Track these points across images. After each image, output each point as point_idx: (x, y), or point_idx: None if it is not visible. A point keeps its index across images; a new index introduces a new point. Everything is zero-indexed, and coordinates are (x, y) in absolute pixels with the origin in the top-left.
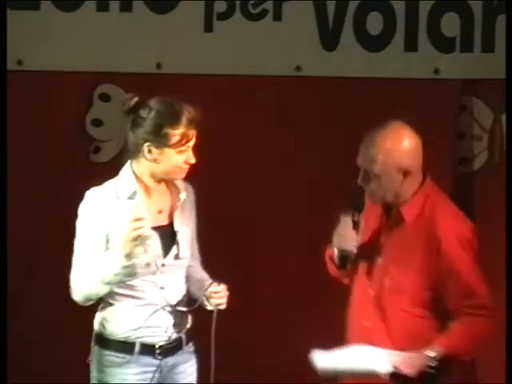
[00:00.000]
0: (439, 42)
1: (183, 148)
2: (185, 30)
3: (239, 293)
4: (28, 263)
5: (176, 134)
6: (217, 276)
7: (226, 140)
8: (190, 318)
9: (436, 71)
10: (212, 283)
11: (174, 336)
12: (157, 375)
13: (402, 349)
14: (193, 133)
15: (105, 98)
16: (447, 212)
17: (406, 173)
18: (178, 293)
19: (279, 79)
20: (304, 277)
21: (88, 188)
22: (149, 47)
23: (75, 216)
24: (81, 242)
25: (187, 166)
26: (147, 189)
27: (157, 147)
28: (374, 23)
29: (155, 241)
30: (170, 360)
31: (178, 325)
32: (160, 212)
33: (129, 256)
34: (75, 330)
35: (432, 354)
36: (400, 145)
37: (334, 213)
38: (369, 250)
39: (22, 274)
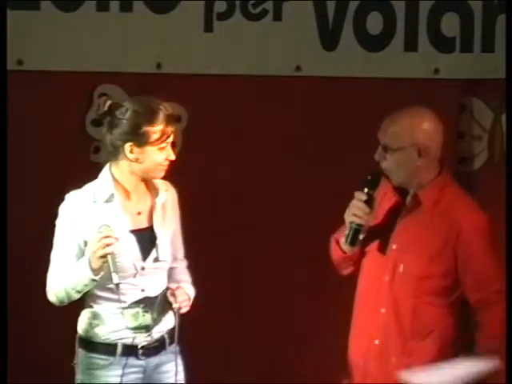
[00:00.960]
0: (439, 42)
1: (163, 145)
2: (185, 30)
3: (229, 293)
4: (28, 263)
5: (155, 131)
6: (208, 277)
7: (225, 140)
8: (172, 318)
9: (436, 71)
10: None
11: (157, 336)
12: (141, 376)
13: (414, 336)
14: (171, 129)
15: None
16: (465, 202)
17: (421, 152)
18: (160, 295)
19: (279, 79)
20: (301, 279)
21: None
22: (149, 47)
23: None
24: (57, 245)
25: (167, 163)
26: (126, 191)
27: (138, 146)
28: (374, 23)
29: (133, 244)
30: (154, 360)
31: (160, 325)
32: (139, 214)
33: (97, 271)
34: (75, 330)
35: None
36: (420, 124)
37: (333, 212)
38: (384, 235)
39: (21, 274)
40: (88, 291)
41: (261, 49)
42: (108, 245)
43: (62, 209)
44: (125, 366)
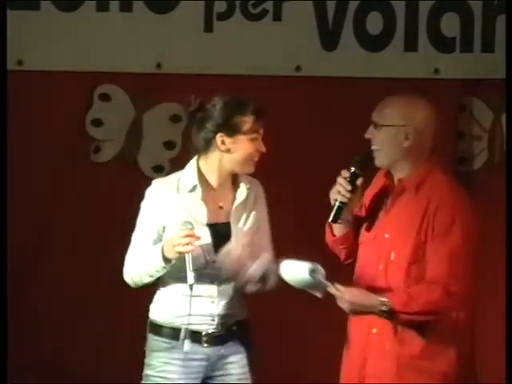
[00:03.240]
0: (439, 42)
1: (254, 135)
2: (185, 30)
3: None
4: (28, 262)
5: (247, 120)
6: None
7: None
8: (242, 311)
9: (436, 71)
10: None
11: (224, 326)
12: (204, 363)
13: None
14: (261, 122)
15: (105, 98)
16: (451, 190)
17: (408, 135)
18: (229, 288)
19: (279, 79)
20: None
21: (88, 188)
22: (149, 47)
23: (76, 216)
24: (138, 229)
25: (257, 156)
26: (209, 185)
27: (230, 136)
28: (374, 23)
29: (207, 237)
30: (220, 349)
31: (226, 316)
32: (221, 208)
33: (168, 261)
34: (75, 330)
35: (383, 299)
36: (413, 108)
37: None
38: (374, 223)
39: (22, 274)
40: (161, 276)
41: (261, 49)
42: (188, 243)
43: (148, 194)
44: (187, 352)
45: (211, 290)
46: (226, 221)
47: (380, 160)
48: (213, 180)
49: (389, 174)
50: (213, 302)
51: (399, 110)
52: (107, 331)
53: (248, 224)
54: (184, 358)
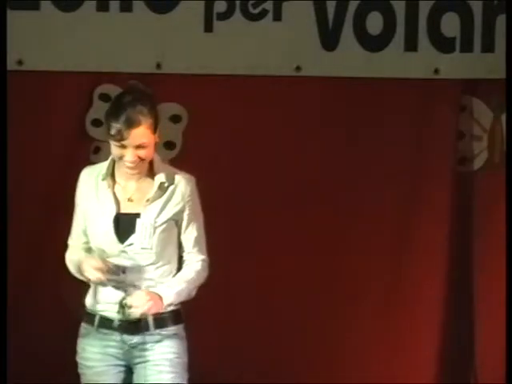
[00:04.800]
0: (439, 42)
1: (121, 143)
2: (185, 30)
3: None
4: (29, 263)
5: (116, 127)
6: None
7: (225, 140)
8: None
9: (436, 71)
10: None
11: (138, 316)
12: (119, 350)
13: None
14: (128, 133)
15: (105, 97)
16: None
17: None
18: (141, 279)
19: (279, 79)
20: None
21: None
22: (149, 47)
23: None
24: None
25: (129, 165)
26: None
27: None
28: (374, 23)
29: (110, 227)
30: (135, 338)
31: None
32: (130, 200)
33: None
34: (75, 330)
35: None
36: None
37: (335, 211)
38: None
39: (22, 275)
40: None
41: (261, 49)
42: (97, 277)
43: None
44: (101, 339)
45: (121, 279)
46: (135, 212)
47: None
48: (118, 171)
49: None
50: (124, 291)
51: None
52: None
53: (160, 219)
54: (99, 344)
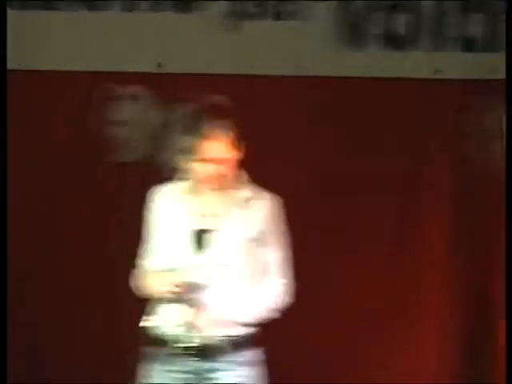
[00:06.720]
0: (440, 42)
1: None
2: (186, 30)
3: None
4: (28, 262)
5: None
6: None
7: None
8: (238, 328)
9: (436, 71)
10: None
11: (211, 340)
12: (188, 376)
13: None
14: (207, 148)
15: (125, 98)
16: None
17: None
18: (214, 298)
19: (279, 79)
20: None
21: (88, 188)
22: (151, 47)
23: (76, 216)
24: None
25: (207, 180)
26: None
27: None
28: (375, 23)
29: (188, 242)
30: (206, 363)
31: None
32: (209, 215)
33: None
34: (75, 330)
35: None
36: None
37: (339, 212)
38: None
39: (22, 274)
40: None
41: (261, 49)
42: (173, 292)
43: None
44: (170, 363)
45: (192, 297)
46: (214, 228)
47: None
48: (198, 185)
49: None
50: (194, 311)
51: None
52: (108, 331)
53: (240, 236)
54: (170, 369)
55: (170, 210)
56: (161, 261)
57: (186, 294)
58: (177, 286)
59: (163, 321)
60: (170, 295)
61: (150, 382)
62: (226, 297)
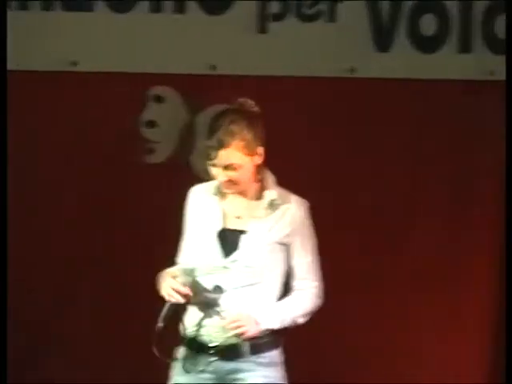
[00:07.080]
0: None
1: (210, 162)
2: (238, 32)
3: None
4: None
5: (206, 146)
6: None
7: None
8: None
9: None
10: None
11: (232, 340)
12: (211, 376)
13: None
14: (216, 154)
15: (158, 99)
16: None
17: None
18: (238, 300)
19: (333, 81)
20: None
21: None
22: (202, 48)
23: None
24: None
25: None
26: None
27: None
28: (428, 24)
29: (215, 243)
30: (228, 365)
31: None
32: (238, 217)
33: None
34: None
35: None
36: None
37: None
38: None
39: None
40: None
41: (315, 50)
42: (174, 298)
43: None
44: (194, 363)
45: (217, 298)
46: (242, 229)
47: None
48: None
49: None
50: (218, 313)
51: None
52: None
53: (267, 238)
54: (192, 368)
55: (199, 210)
56: (186, 259)
57: (195, 296)
58: (178, 289)
59: (185, 321)
60: (170, 298)
61: (173, 382)
62: (253, 300)
